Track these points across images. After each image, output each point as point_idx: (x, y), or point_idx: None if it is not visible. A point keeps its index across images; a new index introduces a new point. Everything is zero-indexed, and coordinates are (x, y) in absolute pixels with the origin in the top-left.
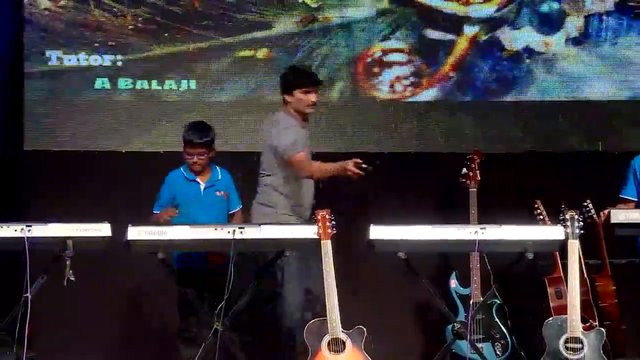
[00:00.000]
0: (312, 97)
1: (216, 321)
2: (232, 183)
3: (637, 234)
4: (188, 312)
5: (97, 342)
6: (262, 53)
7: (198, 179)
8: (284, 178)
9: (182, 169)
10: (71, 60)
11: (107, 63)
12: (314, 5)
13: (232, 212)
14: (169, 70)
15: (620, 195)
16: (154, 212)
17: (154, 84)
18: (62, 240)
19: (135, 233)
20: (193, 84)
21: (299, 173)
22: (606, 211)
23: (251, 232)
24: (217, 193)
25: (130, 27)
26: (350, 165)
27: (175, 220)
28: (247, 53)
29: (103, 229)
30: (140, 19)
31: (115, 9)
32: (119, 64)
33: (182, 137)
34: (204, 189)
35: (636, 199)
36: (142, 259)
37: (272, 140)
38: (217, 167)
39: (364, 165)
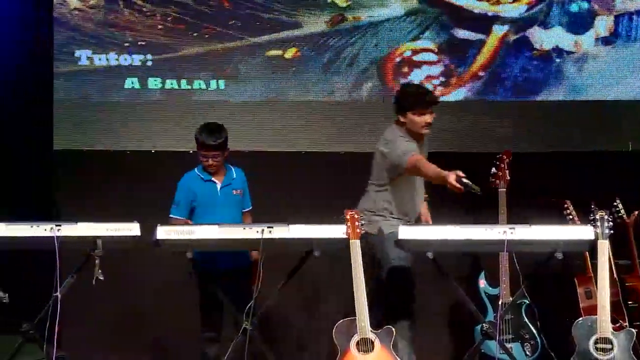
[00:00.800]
0: (427, 119)
1: (245, 320)
2: (246, 182)
3: None
4: (211, 312)
5: (126, 341)
6: (290, 53)
7: (214, 179)
8: (392, 188)
9: (196, 170)
10: (101, 60)
11: (137, 63)
12: (343, 5)
13: (244, 211)
14: (198, 70)
15: None
16: (172, 216)
17: (183, 84)
18: (92, 240)
19: (163, 233)
20: (222, 84)
21: (417, 173)
22: (636, 212)
23: (280, 232)
24: (234, 192)
25: (160, 26)
26: (451, 178)
27: (194, 221)
28: (275, 52)
29: (132, 229)
30: (169, 18)
31: (144, 9)
32: (149, 63)
33: (195, 138)
34: (221, 188)
35: None
36: (169, 259)
37: (384, 150)
38: (232, 167)
39: (465, 180)
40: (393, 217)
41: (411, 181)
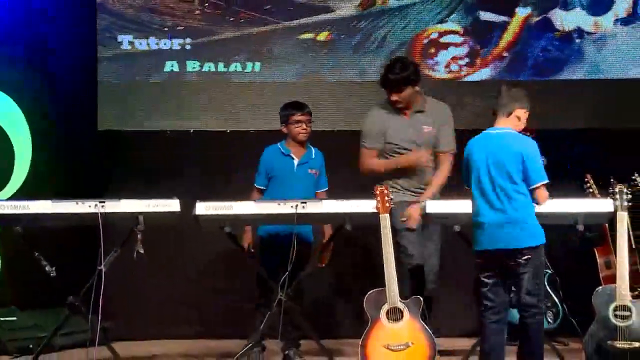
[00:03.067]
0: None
1: (280, 292)
2: (324, 164)
3: None
4: (265, 283)
5: (167, 314)
6: (322, 36)
7: (292, 154)
8: None
9: (279, 144)
10: (142, 45)
11: (176, 47)
12: None
13: (319, 191)
14: (235, 52)
15: None
16: (256, 185)
17: (220, 67)
18: (134, 216)
19: (203, 208)
20: (258, 66)
21: None
22: None
23: (313, 207)
24: (309, 171)
25: (198, 12)
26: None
27: (266, 194)
28: (308, 36)
29: (172, 205)
30: (206, 4)
31: None
32: (187, 47)
33: (282, 115)
34: (297, 164)
35: None
36: (211, 235)
37: None
38: (313, 147)
39: None
40: None
41: None
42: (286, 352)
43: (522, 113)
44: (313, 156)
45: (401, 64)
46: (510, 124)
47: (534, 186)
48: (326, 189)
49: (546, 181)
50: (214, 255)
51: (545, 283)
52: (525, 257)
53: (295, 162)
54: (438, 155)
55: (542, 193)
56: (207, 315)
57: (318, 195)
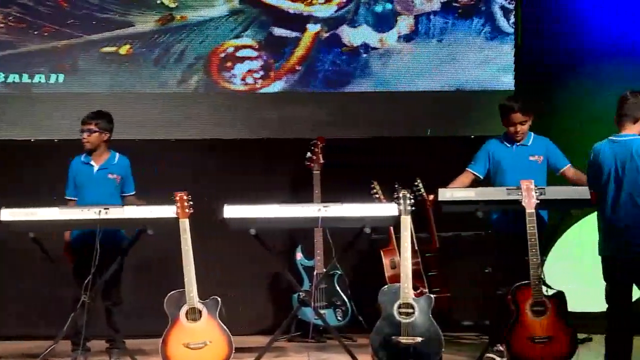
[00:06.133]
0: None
1: (83, 293)
2: (129, 170)
3: (462, 210)
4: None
5: None
6: (124, 49)
7: (92, 162)
8: None
9: (83, 154)
10: None
11: None
12: (171, 6)
13: (125, 195)
14: (39, 64)
15: (467, 169)
16: (66, 197)
17: (25, 78)
18: None
19: (8, 215)
20: (61, 78)
21: None
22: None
23: (115, 213)
24: (110, 176)
25: (2, 25)
26: None
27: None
28: (110, 49)
29: None
30: (10, 18)
31: None
32: None
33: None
34: (97, 170)
35: (479, 174)
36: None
37: None
38: (117, 153)
39: None
40: None
41: None
42: (110, 352)
43: None
44: (115, 162)
45: None
46: (636, 130)
47: None
48: (133, 193)
49: None
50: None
51: (335, 283)
52: None
53: (95, 168)
54: None
55: None
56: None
57: (124, 199)
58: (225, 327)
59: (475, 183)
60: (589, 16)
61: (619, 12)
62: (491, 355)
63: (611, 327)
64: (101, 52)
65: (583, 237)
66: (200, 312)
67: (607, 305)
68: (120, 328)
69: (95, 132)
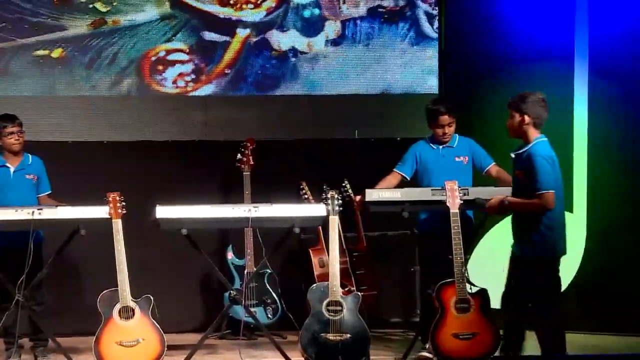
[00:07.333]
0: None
1: (17, 293)
2: (44, 169)
3: (389, 210)
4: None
5: None
6: (57, 53)
7: (8, 164)
8: None
9: None
10: None
11: None
12: (103, 10)
13: (41, 195)
14: None
15: (395, 170)
16: None
17: None
18: None
19: None
20: None
21: None
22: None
23: (49, 214)
24: (27, 176)
25: None
26: None
27: None
28: (43, 52)
29: None
30: None
31: None
32: None
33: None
34: (14, 172)
35: (406, 175)
36: None
37: None
38: (30, 155)
39: None
40: None
41: None
42: (35, 351)
43: None
44: (29, 162)
45: None
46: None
47: None
48: (49, 192)
49: None
50: None
51: (265, 281)
52: None
53: (12, 169)
54: None
55: None
56: None
57: (40, 199)
58: (157, 325)
59: (403, 184)
60: (510, 22)
61: (537, 17)
62: (424, 353)
63: (557, 324)
64: (34, 55)
65: (506, 237)
66: (133, 310)
67: (547, 304)
68: (43, 327)
69: (22, 132)
